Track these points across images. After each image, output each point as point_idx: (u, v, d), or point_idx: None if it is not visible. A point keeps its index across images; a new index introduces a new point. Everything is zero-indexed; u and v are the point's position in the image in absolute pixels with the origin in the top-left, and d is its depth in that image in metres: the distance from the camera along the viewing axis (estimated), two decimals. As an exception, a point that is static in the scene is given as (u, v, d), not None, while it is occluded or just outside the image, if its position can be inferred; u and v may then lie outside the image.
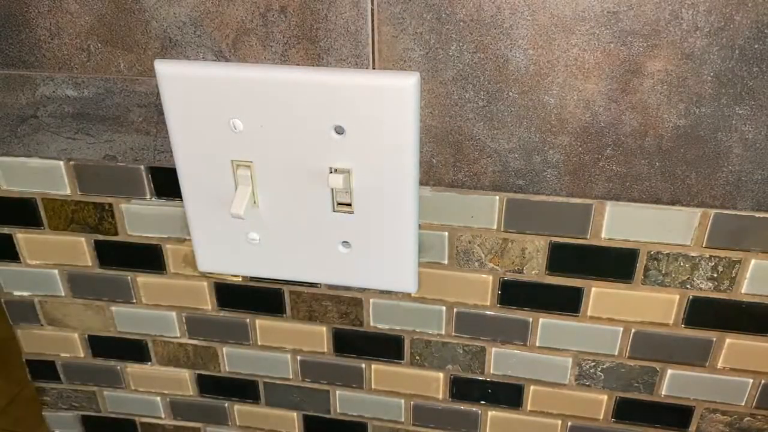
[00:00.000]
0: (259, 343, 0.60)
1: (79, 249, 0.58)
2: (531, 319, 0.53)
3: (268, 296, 0.57)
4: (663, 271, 0.49)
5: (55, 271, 0.60)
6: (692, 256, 0.48)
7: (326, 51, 0.44)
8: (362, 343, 0.58)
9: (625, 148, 0.45)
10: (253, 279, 0.57)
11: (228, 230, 0.52)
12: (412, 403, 0.61)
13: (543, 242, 0.50)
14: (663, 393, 0.55)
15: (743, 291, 0.49)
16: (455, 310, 0.54)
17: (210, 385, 0.64)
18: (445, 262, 0.52)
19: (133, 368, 0.65)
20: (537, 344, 0.55)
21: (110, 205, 0.55)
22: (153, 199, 0.54)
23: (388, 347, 0.58)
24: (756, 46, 0.40)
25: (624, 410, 0.57)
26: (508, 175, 0.47)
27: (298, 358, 0.60)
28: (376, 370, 0.59)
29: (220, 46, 0.46)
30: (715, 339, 0.52)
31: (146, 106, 0.49)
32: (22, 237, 0.58)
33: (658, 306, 0.51)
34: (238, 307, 0.59)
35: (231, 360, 0.62)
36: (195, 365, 0.63)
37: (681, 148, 0.44)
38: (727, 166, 0.44)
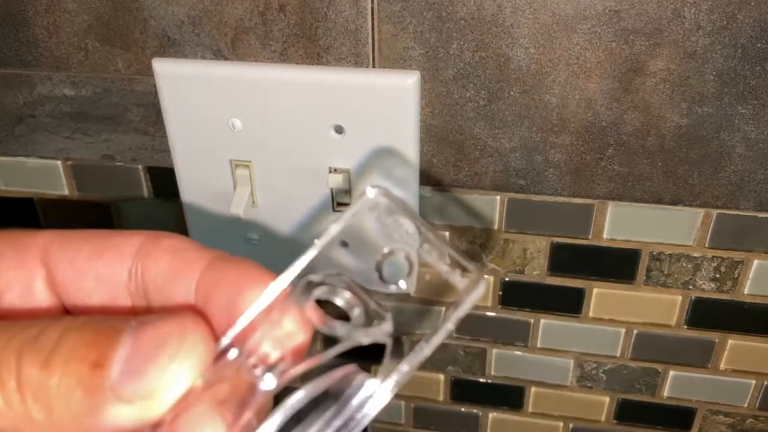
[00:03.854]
0: (259, 344, 0.60)
1: (78, 249, 0.58)
2: (532, 320, 0.53)
3: (267, 297, 0.57)
4: (665, 272, 0.49)
5: (53, 272, 0.60)
6: (694, 257, 0.48)
7: (326, 50, 0.44)
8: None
9: (627, 147, 0.44)
10: (252, 280, 0.56)
11: (227, 230, 0.52)
12: (412, 405, 0.60)
13: (544, 242, 0.49)
14: (665, 394, 0.55)
15: (746, 291, 0.49)
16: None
17: (209, 386, 0.64)
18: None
19: (131, 369, 0.65)
20: (538, 345, 0.54)
21: (108, 204, 0.54)
22: (151, 198, 0.54)
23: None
24: (759, 45, 0.40)
25: (626, 412, 0.57)
26: (509, 175, 0.47)
27: (298, 359, 0.60)
28: (376, 371, 0.59)
29: (219, 45, 0.45)
30: (717, 340, 0.51)
31: (144, 105, 0.49)
32: (19, 237, 0.58)
33: (660, 307, 0.50)
34: (237, 307, 0.58)
35: (230, 361, 0.62)
36: (194, 366, 0.63)
37: (683, 147, 0.44)
38: (730, 166, 0.44)
